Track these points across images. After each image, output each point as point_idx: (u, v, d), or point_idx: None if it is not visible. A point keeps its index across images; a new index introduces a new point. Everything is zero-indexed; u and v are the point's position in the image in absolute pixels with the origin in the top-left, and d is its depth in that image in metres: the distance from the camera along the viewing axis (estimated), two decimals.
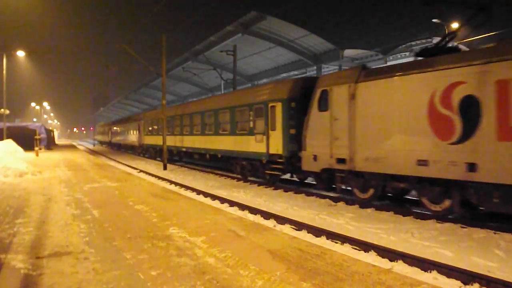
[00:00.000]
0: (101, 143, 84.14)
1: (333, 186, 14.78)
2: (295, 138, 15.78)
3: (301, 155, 15.10)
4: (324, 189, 15.57)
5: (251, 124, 18.71)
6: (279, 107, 16.48)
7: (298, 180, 18.47)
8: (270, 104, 17.08)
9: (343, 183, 13.80)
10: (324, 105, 13.98)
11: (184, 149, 28.34)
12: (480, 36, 11.12)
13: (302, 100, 15.69)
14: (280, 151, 16.42)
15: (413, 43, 39.22)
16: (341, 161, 13.19)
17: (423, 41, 39.07)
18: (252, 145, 18.52)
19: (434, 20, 35.10)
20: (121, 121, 59.04)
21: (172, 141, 29.75)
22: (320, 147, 14.04)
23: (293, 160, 16.01)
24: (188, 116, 27.42)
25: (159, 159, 34.01)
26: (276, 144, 16.62)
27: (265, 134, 17.37)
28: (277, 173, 17.35)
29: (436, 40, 37.89)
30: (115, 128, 61.88)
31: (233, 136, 20.65)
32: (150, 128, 37.07)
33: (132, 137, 45.59)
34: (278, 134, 16.54)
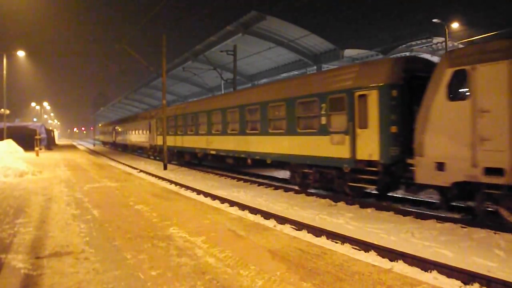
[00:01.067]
0: (104, 143, 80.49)
1: (462, 205, 11.72)
2: (397, 139, 12.00)
3: (415, 162, 11.04)
4: (449, 209, 11.93)
5: (323, 120, 14.32)
6: (373, 97, 12.41)
7: (377, 192, 14.24)
8: (358, 93, 12.85)
9: (493, 203, 9.99)
10: (458, 92, 10.39)
11: (212, 152, 23.23)
12: (481, 36, 11.08)
13: (405, 87, 12.16)
14: (375, 157, 12.28)
15: (413, 43, 39.27)
16: (493, 171, 9.30)
17: (423, 40, 39.12)
18: (325, 148, 14.19)
19: (434, 20, 35.10)
20: (126, 120, 53.87)
21: (193, 142, 25.91)
22: (452, 152, 10.11)
23: (395, 169, 12.13)
24: (218, 112, 22.47)
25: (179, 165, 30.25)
26: (369, 147, 12.51)
27: (348, 134, 13.18)
28: (366, 186, 13.21)
29: (436, 39, 38.10)
30: (119, 127, 57.37)
31: (292, 136, 15.99)
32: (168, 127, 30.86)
33: (141, 137, 40.95)
34: (371, 134, 12.44)
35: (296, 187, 16.41)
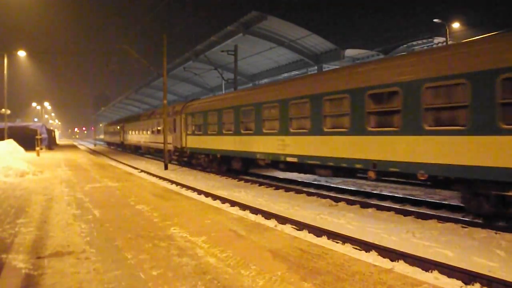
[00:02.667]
0: (109, 144, 73.44)
1: None
2: None
3: None
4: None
5: None
6: None
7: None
8: None
9: None
10: None
11: (291, 159, 15.56)
12: (482, 36, 11.07)
13: None
14: None
15: (414, 43, 39.25)
16: None
17: (424, 40, 39.11)
18: None
19: (435, 20, 35.09)
20: (139, 118, 45.89)
21: (251, 144, 18.50)
22: None
23: None
24: (305, 101, 14.84)
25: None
26: None
27: None
28: None
29: (437, 39, 38.07)
30: (129, 126, 49.66)
31: (479, 136, 9.28)
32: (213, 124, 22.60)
33: (161, 137, 31.95)
34: None
35: (295, 186, 16.34)
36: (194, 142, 25.14)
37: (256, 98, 18.27)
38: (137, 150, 47.18)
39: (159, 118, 34.24)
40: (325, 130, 13.83)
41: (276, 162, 17.08)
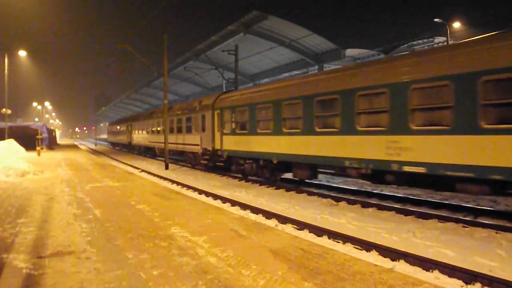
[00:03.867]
0: (114, 145, 67.23)
1: None
2: None
3: None
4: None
5: None
6: None
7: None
8: None
9: None
10: None
11: (415, 170, 10.91)
12: (482, 36, 11.07)
13: None
14: None
15: (414, 42, 39.26)
16: None
17: (425, 40, 39.12)
18: None
19: (435, 20, 35.08)
20: (152, 115, 38.85)
21: (331, 147, 13.86)
22: None
23: None
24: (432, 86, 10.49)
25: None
26: None
27: None
28: None
29: (438, 39, 38.08)
30: (139, 125, 43.78)
31: None
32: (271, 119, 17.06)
33: (184, 138, 27.99)
34: None
35: (295, 186, 16.33)
36: (235, 143, 19.81)
37: (347, 83, 13.16)
38: (147, 152, 42.32)
39: (180, 115, 28.73)
40: (484, 126, 9.30)
41: (381, 172, 12.24)
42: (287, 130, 15.91)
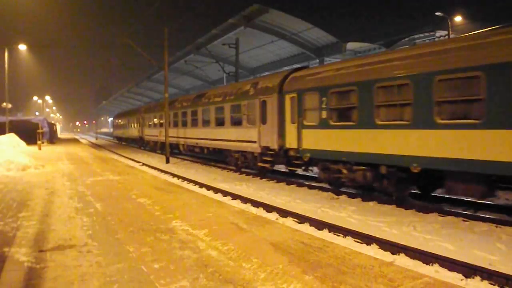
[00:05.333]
0: (120, 139, 60.43)
1: None
2: None
3: None
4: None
5: None
6: None
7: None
8: None
9: None
10: None
11: None
12: (483, 30, 10.98)
13: None
14: None
15: (415, 36, 39.15)
16: None
17: (426, 34, 39.01)
18: None
19: (437, 13, 34.94)
20: (172, 104, 31.36)
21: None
22: None
23: None
24: None
25: None
26: None
27: None
28: None
29: (439, 33, 37.96)
30: (154, 116, 37.07)
31: None
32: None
33: (229, 132, 21.23)
34: None
35: (296, 179, 16.35)
36: (327, 140, 13.97)
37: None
38: (163, 149, 32.50)
39: (221, 102, 22.22)
40: None
41: None
42: (446, 121, 10.04)
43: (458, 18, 36.53)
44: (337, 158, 13.61)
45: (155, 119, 36.80)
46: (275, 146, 16.95)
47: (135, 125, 45.80)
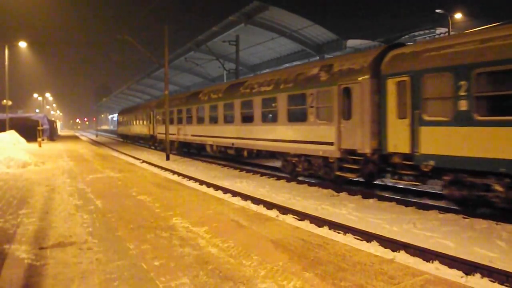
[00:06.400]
0: (126, 138, 54.59)
1: None
2: None
3: None
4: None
5: None
6: None
7: None
8: None
9: None
10: None
11: None
12: (484, 27, 10.95)
13: None
14: None
15: (416, 33, 39.11)
16: None
17: (426, 31, 38.96)
18: None
19: (437, 11, 34.89)
20: (196, 97, 27.18)
21: None
22: None
23: None
24: None
25: None
26: None
27: None
28: None
29: (439, 30, 37.90)
30: (174, 111, 30.74)
31: None
32: None
33: (300, 130, 15.86)
34: None
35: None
36: (466, 142, 10.02)
37: None
38: (183, 148, 30.67)
39: (271, 92, 17.61)
40: None
41: None
42: None
43: (458, 15, 36.47)
44: (487, 169, 9.62)
45: (171, 115, 30.88)
46: (365, 149, 12.70)
47: (145, 122, 41.01)
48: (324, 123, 14.43)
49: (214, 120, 23.62)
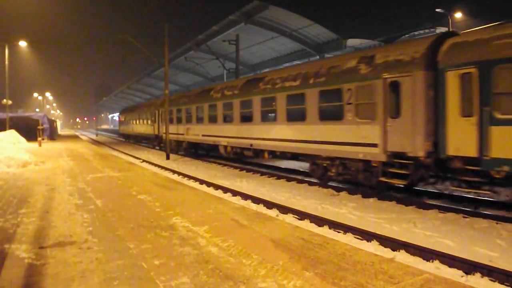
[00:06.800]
0: (129, 137, 52.17)
1: None
2: None
3: None
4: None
5: None
6: None
7: None
8: None
9: None
10: None
11: None
12: (484, 26, 10.97)
13: None
14: None
15: (416, 33, 39.09)
16: None
17: (426, 30, 38.94)
18: None
19: (437, 10, 34.89)
20: (208, 94, 24.78)
21: None
22: None
23: None
24: None
25: None
26: None
27: None
28: None
29: (439, 29, 37.89)
30: (184, 110, 28.50)
31: None
32: None
33: (339, 130, 13.76)
34: None
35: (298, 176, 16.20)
36: None
37: None
38: (189, 150, 28.98)
39: (297, 88, 15.72)
40: None
41: None
42: None
43: (458, 15, 36.48)
44: None
45: (182, 113, 28.89)
46: (418, 152, 11.06)
47: (149, 121, 38.57)
48: (365, 122, 12.60)
49: (228, 119, 21.67)
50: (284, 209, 11.11)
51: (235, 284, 4.45)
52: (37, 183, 12.31)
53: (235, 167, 21.14)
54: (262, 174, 18.46)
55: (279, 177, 17.22)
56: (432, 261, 7.06)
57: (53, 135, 50.32)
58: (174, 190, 10.86)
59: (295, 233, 6.49)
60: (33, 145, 31.39)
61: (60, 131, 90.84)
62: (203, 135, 24.79)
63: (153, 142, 37.97)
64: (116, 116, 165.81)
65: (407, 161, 11.41)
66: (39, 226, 7.07)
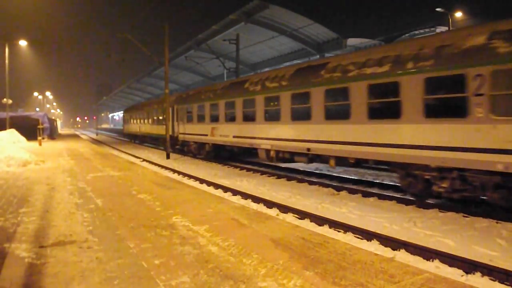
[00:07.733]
0: (135, 138, 48.03)
1: None
2: None
3: None
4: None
5: None
6: None
7: None
8: None
9: None
10: None
11: None
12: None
13: None
14: None
15: (416, 32, 39.10)
16: None
17: (427, 30, 38.95)
18: None
19: (437, 9, 34.87)
20: (263, 82, 18.36)
21: None
22: None
23: None
24: None
25: None
26: None
27: None
28: None
29: (439, 29, 37.86)
30: (207, 106, 23.94)
31: None
32: None
33: (455, 130, 9.87)
34: None
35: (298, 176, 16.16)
36: None
37: None
38: (210, 154, 24.70)
39: (388, 75, 11.63)
40: None
41: None
42: None
43: (458, 14, 36.45)
44: None
45: (202, 111, 24.75)
46: None
47: (160, 120, 34.54)
48: (507, 120, 8.84)
49: (272, 117, 17.40)
50: (284, 208, 11.11)
51: (235, 283, 4.45)
52: (37, 183, 12.31)
53: (235, 167, 21.14)
54: (262, 173, 18.46)
55: (279, 177, 17.22)
56: (432, 261, 7.06)
57: (53, 134, 50.34)
58: (174, 189, 10.86)
59: (295, 232, 6.49)
60: (33, 144, 31.38)
61: (60, 130, 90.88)
62: (235, 136, 20.50)
63: (165, 143, 28.98)
64: (116, 115, 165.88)
65: None
66: (39, 225, 7.07)
